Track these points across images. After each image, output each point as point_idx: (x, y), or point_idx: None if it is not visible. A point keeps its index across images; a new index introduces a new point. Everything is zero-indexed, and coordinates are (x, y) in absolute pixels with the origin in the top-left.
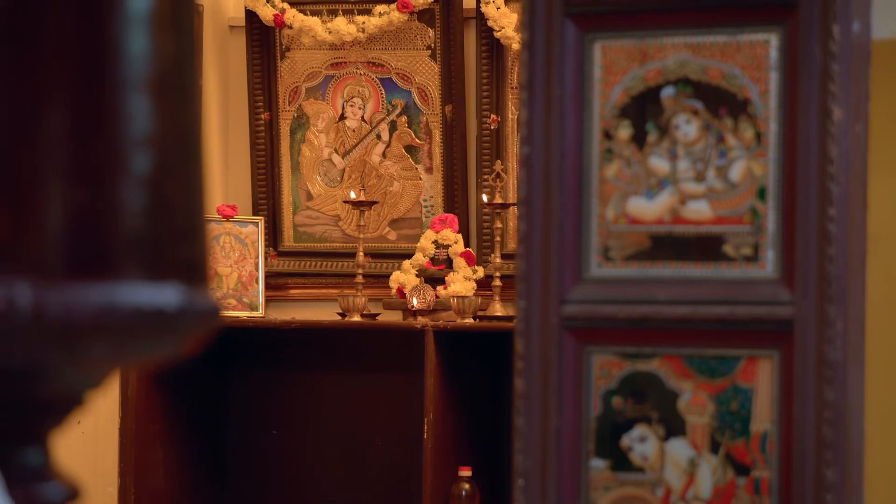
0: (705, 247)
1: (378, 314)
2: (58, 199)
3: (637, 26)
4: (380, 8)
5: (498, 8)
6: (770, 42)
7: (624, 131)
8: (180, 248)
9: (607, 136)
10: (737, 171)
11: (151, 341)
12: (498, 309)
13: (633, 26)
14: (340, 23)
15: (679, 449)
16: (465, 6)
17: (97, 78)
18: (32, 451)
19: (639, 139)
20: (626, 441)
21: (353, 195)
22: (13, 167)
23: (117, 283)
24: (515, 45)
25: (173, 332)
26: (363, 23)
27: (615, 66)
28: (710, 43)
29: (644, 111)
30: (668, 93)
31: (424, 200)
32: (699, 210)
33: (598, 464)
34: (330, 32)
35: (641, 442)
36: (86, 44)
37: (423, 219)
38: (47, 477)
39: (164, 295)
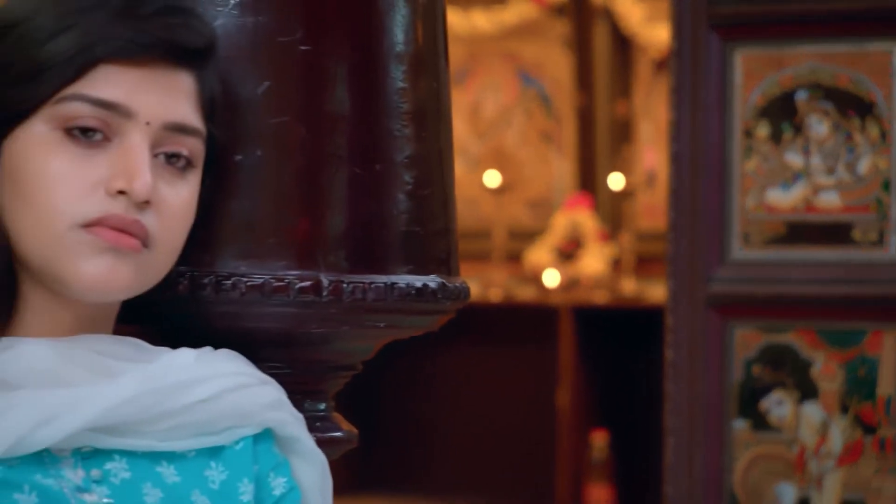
0: (835, 233)
1: (514, 292)
2: (346, 208)
3: (774, 36)
4: (514, 2)
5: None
6: (893, 52)
7: (762, 130)
8: (438, 245)
9: (747, 134)
10: (863, 166)
11: (416, 318)
12: (628, 285)
13: (770, 36)
14: (477, 17)
15: (812, 411)
16: (595, 0)
17: (373, 109)
18: (320, 403)
19: (775, 137)
20: (764, 404)
21: (490, 178)
22: (312, 182)
23: (392, 273)
24: (641, 38)
25: (433, 311)
26: (498, 16)
27: (754, 72)
28: (839, 52)
29: (780, 112)
30: (801, 96)
31: (557, 183)
32: (830, 200)
33: (740, 424)
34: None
35: (778, 405)
36: (363, 80)
37: (556, 200)
38: (332, 423)
39: (427, 281)
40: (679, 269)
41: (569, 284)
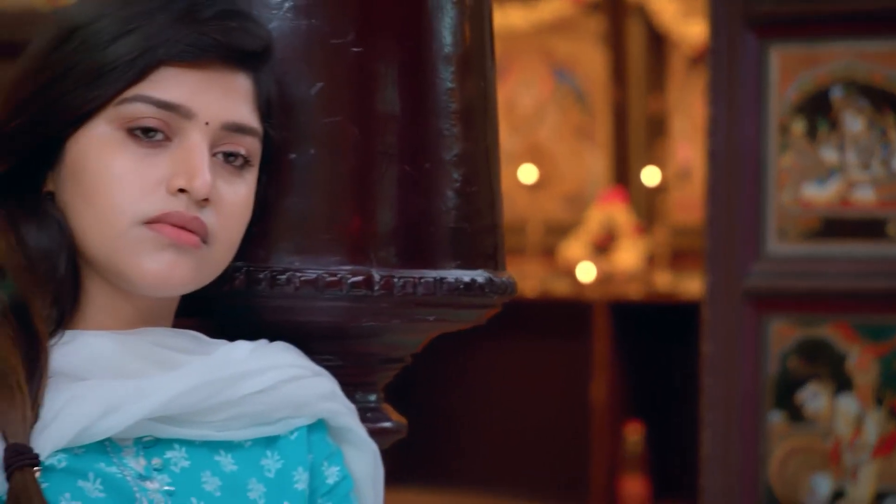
0: (869, 227)
1: (549, 287)
2: (396, 205)
3: (809, 34)
4: None
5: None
6: None
7: (798, 126)
8: (485, 241)
9: (783, 130)
10: None
11: (465, 312)
12: (663, 279)
13: (805, 35)
14: (513, 13)
15: (847, 404)
16: None
17: (422, 109)
18: (370, 394)
19: (811, 133)
20: (800, 397)
21: (525, 173)
22: (364, 180)
23: (441, 268)
24: (675, 34)
25: (481, 305)
26: (533, 13)
27: (790, 69)
28: (874, 50)
29: (815, 109)
30: (836, 93)
31: (591, 177)
32: (864, 195)
33: (776, 417)
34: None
35: (814, 398)
36: (413, 81)
37: (591, 194)
38: (382, 414)
39: (475, 276)
40: (716, 264)
41: (603, 278)
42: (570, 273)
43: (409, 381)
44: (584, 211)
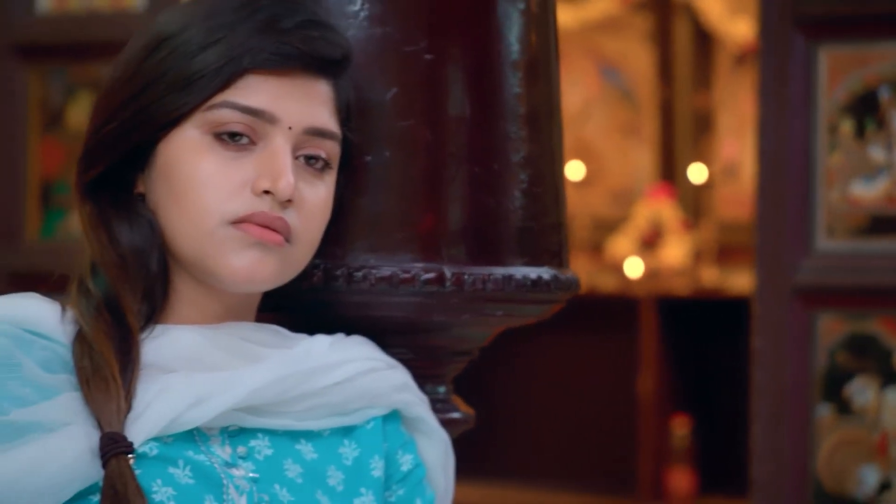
0: None
1: (596, 282)
2: (466, 205)
3: (858, 36)
4: None
5: None
6: None
7: (846, 126)
8: (550, 239)
9: (831, 130)
10: None
11: (531, 307)
12: (709, 274)
13: (854, 36)
14: (561, 12)
15: (894, 397)
16: None
17: (491, 113)
18: (440, 386)
19: (859, 132)
20: (847, 390)
21: (573, 170)
22: (435, 181)
23: (509, 265)
24: (721, 32)
25: (547, 301)
26: (581, 12)
27: (838, 69)
28: None
29: (863, 108)
30: (884, 93)
31: (638, 174)
32: None
33: (824, 410)
34: None
35: (861, 391)
36: (482, 86)
37: (638, 190)
38: (451, 405)
39: (541, 272)
40: (765, 261)
41: (650, 274)
42: (617, 268)
43: (459, 376)
44: (631, 207)
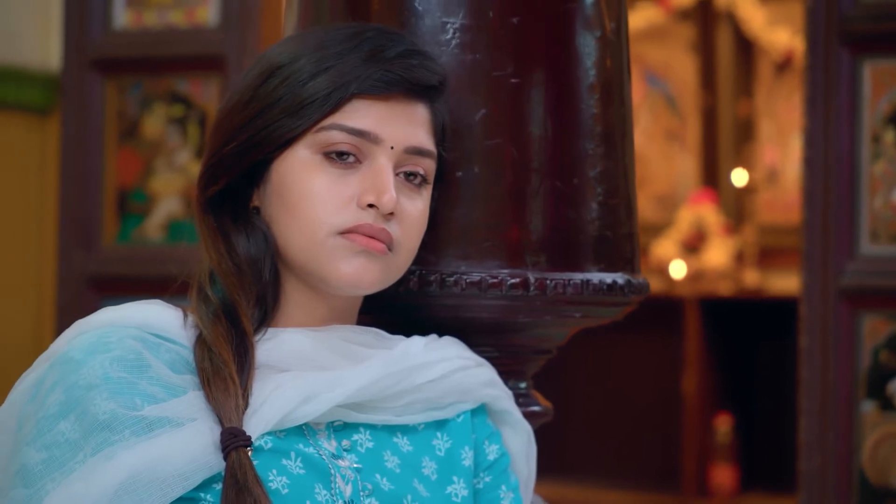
0: None
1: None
2: (548, 216)
3: None
4: (641, 7)
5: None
6: None
7: (889, 136)
8: (624, 247)
9: (875, 140)
10: None
11: (606, 309)
12: (751, 276)
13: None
14: None
15: None
16: (718, 3)
17: (571, 132)
18: (521, 381)
19: None
20: (891, 387)
21: None
22: (520, 194)
23: (587, 271)
24: (763, 41)
25: (620, 303)
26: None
27: (881, 82)
28: None
29: None
30: None
31: (682, 179)
32: None
33: (868, 406)
34: None
35: None
36: (562, 107)
37: (681, 195)
38: (531, 399)
39: (616, 278)
40: (812, 264)
41: (694, 276)
42: (662, 271)
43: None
44: (675, 211)
